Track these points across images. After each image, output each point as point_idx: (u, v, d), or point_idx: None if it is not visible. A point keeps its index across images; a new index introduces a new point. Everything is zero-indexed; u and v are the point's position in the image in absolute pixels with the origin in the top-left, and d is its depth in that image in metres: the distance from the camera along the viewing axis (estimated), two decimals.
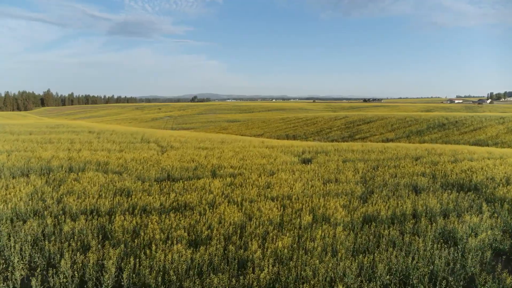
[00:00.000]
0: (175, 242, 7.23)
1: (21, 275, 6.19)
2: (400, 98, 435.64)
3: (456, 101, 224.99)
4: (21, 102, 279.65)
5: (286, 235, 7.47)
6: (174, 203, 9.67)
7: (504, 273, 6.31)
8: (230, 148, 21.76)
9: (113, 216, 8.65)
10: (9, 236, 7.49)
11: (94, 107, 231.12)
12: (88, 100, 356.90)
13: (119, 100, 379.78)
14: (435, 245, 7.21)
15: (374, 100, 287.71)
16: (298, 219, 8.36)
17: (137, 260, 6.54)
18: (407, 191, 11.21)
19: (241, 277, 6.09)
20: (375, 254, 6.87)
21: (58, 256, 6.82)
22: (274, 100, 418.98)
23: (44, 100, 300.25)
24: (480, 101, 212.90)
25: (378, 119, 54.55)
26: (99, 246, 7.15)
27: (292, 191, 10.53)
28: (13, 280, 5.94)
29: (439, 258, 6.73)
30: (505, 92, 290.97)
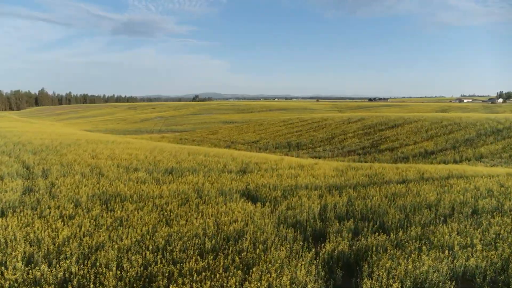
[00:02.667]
0: None
1: None
2: (404, 97, 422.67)
3: (465, 100, 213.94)
4: (14, 102, 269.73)
5: None
6: None
7: None
8: (162, 204, 10.21)
9: None
10: None
11: (88, 107, 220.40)
12: (86, 99, 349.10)
13: (119, 99, 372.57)
14: None
15: (379, 99, 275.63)
16: None
17: None
18: None
19: None
20: None
21: None
22: (276, 99, 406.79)
23: (38, 100, 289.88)
24: (491, 100, 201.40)
25: (405, 122, 42.79)
26: None
27: None
28: None
29: None
30: None
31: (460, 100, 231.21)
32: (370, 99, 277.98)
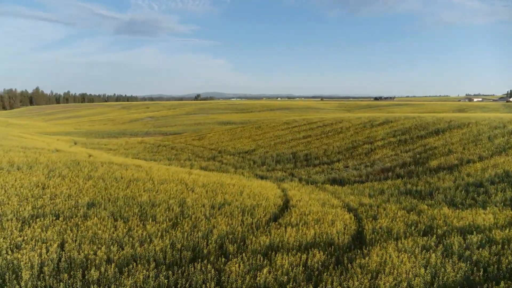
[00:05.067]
0: None
1: None
2: (408, 96, 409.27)
3: (475, 99, 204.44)
4: (7, 101, 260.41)
5: None
6: None
7: None
8: None
9: None
10: None
11: (79, 106, 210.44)
12: (84, 98, 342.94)
13: (119, 99, 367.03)
14: None
15: (385, 98, 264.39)
16: None
17: None
18: None
19: None
20: None
21: None
22: (279, 98, 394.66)
23: (33, 99, 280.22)
24: (503, 99, 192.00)
25: (450, 126, 31.72)
26: None
27: None
28: None
29: None
30: None
31: (469, 99, 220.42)
32: (375, 98, 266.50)
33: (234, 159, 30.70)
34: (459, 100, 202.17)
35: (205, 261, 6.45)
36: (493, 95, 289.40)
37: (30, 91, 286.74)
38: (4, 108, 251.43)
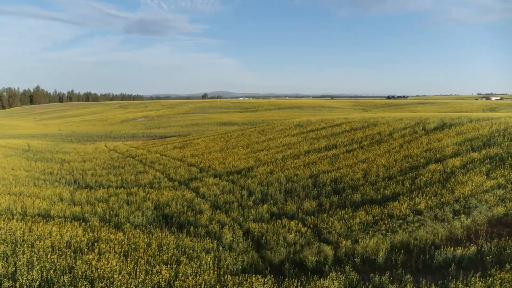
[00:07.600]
0: None
1: None
2: (418, 96, 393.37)
3: (493, 98, 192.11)
4: (6, 100, 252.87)
5: None
6: None
7: None
8: None
9: None
10: None
11: (74, 105, 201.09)
12: (88, 97, 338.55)
13: (124, 98, 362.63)
14: None
15: (398, 97, 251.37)
16: None
17: None
18: None
19: None
20: None
21: None
22: (287, 97, 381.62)
23: (33, 98, 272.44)
24: None
25: None
26: None
27: None
28: None
29: None
30: None
31: (486, 97, 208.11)
32: (388, 97, 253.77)
33: (219, 186, 19.24)
34: (476, 99, 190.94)
35: None
36: (506, 93, 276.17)
37: (32, 90, 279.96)
38: (3, 107, 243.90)
